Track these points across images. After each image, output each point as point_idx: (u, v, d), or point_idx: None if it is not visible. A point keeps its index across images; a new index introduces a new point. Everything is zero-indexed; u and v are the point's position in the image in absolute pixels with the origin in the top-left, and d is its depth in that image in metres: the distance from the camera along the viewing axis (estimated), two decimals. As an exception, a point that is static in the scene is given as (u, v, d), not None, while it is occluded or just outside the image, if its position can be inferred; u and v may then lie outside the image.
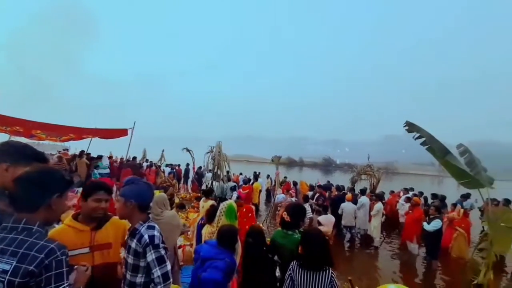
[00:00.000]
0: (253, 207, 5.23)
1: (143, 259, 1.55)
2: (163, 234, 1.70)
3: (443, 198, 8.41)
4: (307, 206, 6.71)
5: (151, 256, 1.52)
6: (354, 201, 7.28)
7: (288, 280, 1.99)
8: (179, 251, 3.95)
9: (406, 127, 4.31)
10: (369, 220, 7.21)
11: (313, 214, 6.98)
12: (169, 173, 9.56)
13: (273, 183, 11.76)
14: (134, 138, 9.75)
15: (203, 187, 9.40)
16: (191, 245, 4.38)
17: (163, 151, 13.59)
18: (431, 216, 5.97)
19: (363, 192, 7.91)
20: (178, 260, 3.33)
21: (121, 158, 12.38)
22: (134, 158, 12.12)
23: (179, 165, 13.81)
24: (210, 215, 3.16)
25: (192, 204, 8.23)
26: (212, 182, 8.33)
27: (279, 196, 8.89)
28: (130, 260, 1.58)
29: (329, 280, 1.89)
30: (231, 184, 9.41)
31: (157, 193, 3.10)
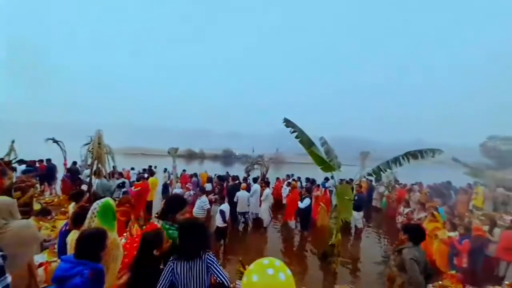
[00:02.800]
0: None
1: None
2: (8, 250, 1.34)
3: (313, 181, 10.54)
4: (204, 197, 6.82)
5: None
6: (248, 189, 7.96)
7: (168, 272, 1.96)
8: (40, 270, 3.15)
9: (284, 123, 5.09)
10: (260, 205, 8.10)
11: (211, 205, 7.17)
12: (24, 172, 7.25)
13: (170, 177, 11.23)
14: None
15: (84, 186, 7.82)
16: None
17: (13, 142, 10.08)
18: (303, 196, 7.37)
19: (255, 180, 8.79)
20: (37, 282, 2.65)
21: None
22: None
23: (41, 161, 10.84)
24: (76, 218, 2.60)
25: (63, 208, 6.69)
26: (90, 179, 6.99)
27: (176, 190, 8.60)
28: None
29: (206, 265, 1.97)
30: (118, 180, 8.30)
31: (-2, 199, 2.35)
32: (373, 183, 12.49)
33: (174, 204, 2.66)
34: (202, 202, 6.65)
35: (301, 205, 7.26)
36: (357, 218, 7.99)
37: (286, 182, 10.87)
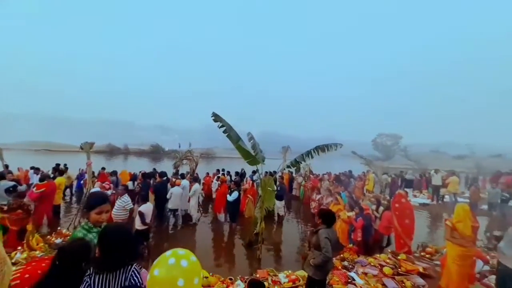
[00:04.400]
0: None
1: None
2: None
3: (242, 174, 10.78)
4: (126, 197, 6.01)
5: None
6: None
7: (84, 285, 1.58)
8: None
9: (213, 118, 4.96)
10: (188, 200, 7.74)
11: (136, 204, 6.37)
12: None
13: (84, 177, 9.50)
14: None
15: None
16: None
17: None
18: (232, 189, 7.42)
19: (183, 176, 8.34)
20: None
21: None
22: None
23: None
24: None
25: None
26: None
27: (93, 190, 7.30)
28: None
29: (129, 276, 1.62)
30: (7, 183, 6.48)
31: None
32: (294, 174, 13.70)
33: (90, 201, 2.18)
34: (124, 201, 5.80)
35: (230, 198, 7.30)
36: (279, 206, 8.54)
37: (216, 177, 10.76)
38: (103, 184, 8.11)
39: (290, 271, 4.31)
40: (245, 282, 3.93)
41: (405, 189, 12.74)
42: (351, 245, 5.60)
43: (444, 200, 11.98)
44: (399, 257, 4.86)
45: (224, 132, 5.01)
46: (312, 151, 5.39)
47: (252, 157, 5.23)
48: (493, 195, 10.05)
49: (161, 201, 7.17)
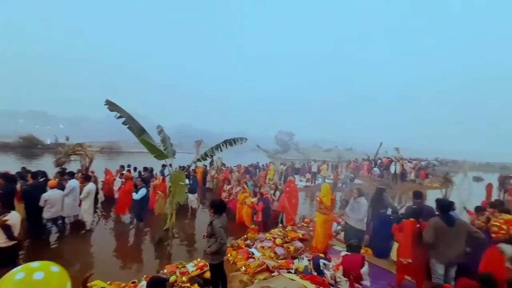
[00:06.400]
0: None
1: None
2: None
3: (151, 170, 9.93)
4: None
5: None
6: (61, 186, 6.01)
7: None
8: None
9: (107, 106, 4.21)
10: (80, 204, 6.38)
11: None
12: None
13: None
14: None
15: None
16: None
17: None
18: (138, 187, 6.79)
19: (71, 174, 6.90)
20: None
21: None
22: None
23: None
24: None
25: None
26: None
27: None
28: None
29: None
30: None
31: None
32: (208, 168, 13.81)
33: None
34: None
35: (136, 196, 6.63)
36: (192, 200, 8.47)
37: (119, 174, 9.43)
38: None
39: (199, 259, 4.41)
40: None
41: (295, 175, 15.25)
42: (253, 226, 6.32)
43: (317, 182, 15.20)
44: (287, 229, 5.93)
45: (124, 123, 4.37)
46: (221, 144, 5.53)
47: (159, 151, 4.92)
48: (345, 176, 14.15)
49: (33, 209, 5.52)
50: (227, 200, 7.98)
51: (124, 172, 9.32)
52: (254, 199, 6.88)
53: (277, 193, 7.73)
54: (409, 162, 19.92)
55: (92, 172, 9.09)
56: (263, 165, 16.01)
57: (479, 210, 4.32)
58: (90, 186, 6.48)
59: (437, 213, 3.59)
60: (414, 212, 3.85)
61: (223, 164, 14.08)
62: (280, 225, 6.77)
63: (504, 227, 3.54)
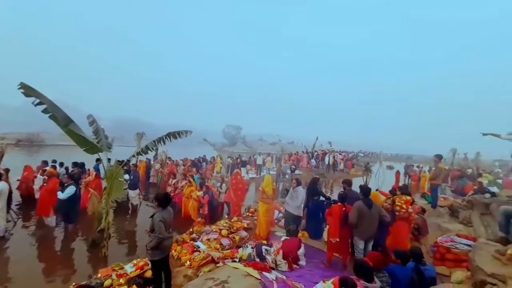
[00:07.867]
0: None
1: None
2: None
3: (82, 165, 8.57)
4: None
5: None
6: None
7: None
8: None
9: (22, 91, 3.39)
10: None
11: None
12: None
13: None
14: None
15: None
16: None
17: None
18: (65, 184, 5.79)
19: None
20: None
21: None
22: None
23: None
24: None
25: None
26: None
27: None
28: None
29: None
30: None
31: None
32: (152, 162, 12.71)
33: None
34: None
35: (62, 195, 5.62)
36: (133, 196, 7.75)
37: (40, 170, 7.81)
38: None
39: (139, 259, 4.08)
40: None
41: (241, 168, 15.51)
42: (199, 219, 6.16)
43: (262, 173, 15.88)
44: (232, 220, 6.00)
45: (45, 111, 3.59)
46: (164, 137, 5.14)
47: (91, 144, 4.25)
48: (287, 167, 15.13)
49: None
50: (172, 194, 7.56)
51: (48, 168, 7.78)
52: (200, 193, 6.71)
53: (224, 185, 7.75)
54: (339, 154, 22.62)
55: (4, 170, 7.23)
56: (210, 159, 15.70)
57: (392, 192, 5.17)
58: (3, 185, 5.22)
59: (360, 197, 4.17)
60: (341, 197, 4.39)
61: (169, 158, 13.22)
62: (226, 216, 6.80)
63: (404, 206, 4.39)
